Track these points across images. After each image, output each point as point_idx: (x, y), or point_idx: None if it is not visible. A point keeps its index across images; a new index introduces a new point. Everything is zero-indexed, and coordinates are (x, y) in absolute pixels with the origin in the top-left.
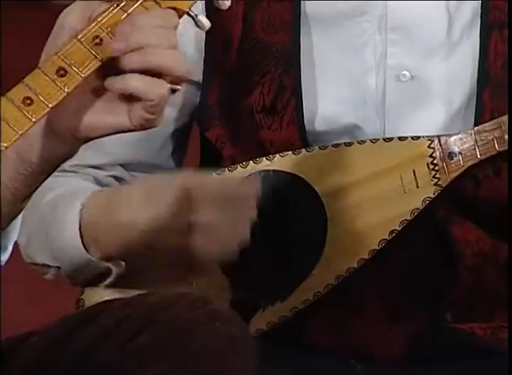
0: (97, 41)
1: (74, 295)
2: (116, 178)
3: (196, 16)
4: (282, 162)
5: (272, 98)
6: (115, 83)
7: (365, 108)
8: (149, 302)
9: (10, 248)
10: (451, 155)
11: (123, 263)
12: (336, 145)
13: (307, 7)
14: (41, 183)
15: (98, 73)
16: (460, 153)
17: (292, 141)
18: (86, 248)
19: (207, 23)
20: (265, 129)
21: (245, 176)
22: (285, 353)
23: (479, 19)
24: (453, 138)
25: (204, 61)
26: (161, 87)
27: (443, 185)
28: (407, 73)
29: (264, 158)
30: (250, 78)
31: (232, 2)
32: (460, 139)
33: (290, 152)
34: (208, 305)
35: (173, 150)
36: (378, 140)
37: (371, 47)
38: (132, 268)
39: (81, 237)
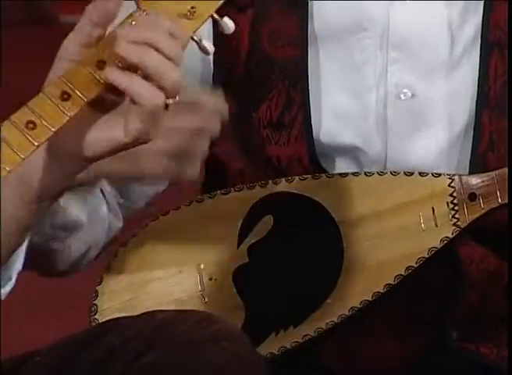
0: (101, 64)
1: (76, 314)
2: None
3: (200, 40)
4: (301, 185)
5: (279, 112)
6: (114, 73)
7: (366, 125)
8: (156, 320)
9: (14, 279)
10: (471, 196)
11: None
12: (356, 174)
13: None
14: (43, 213)
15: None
16: (480, 195)
17: (299, 156)
18: None
19: (210, 49)
20: (272, 144)
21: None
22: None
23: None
24: (474, 179)
25: (213, 76)
26: (156, 95)
27: (462, 226)
28: (408, 92)
29: (283, 180)
30: (258, 93)
31: (239, 18)
32: (482, 181)
33: (310, 176)
34: (215, 324)
35: None
36: (399, 173)
37: (372, 64)
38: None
39: None
